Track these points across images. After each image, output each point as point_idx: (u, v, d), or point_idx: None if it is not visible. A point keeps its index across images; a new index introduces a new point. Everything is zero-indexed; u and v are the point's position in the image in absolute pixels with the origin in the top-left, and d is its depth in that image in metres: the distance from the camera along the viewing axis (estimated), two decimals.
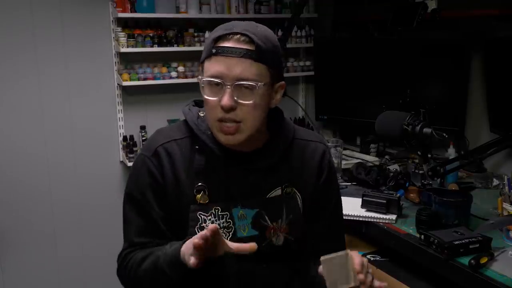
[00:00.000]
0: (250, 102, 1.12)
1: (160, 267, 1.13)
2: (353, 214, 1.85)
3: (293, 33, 2.99)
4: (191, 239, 1.05)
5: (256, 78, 1.12)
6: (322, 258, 1.05)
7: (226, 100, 1.11)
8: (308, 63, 3.14)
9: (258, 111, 1.16)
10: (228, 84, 1.10)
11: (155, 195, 1.22)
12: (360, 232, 1.89)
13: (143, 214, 1.23)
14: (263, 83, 1.13)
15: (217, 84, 1.12)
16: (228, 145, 1.18)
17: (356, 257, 1.08)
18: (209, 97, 1.13)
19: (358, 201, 1.91)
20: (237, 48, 1.10)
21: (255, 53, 1.11)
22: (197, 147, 1.23)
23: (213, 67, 1.12)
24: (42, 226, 2.72)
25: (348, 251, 1.06)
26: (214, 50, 1.11)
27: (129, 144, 2.78)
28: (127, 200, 1.27)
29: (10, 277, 2.68)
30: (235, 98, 1.11)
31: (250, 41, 1.11)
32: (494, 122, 2.32)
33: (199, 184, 1.21)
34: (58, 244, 2.78)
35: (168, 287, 1.17)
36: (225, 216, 1.22)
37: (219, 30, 1.14)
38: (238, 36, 1.11)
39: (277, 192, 1.25)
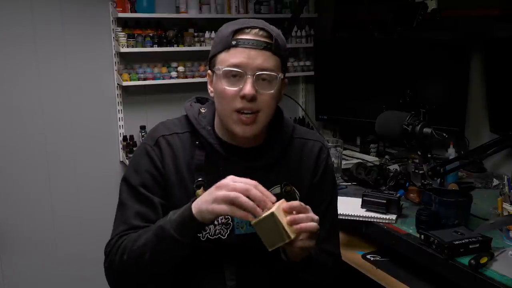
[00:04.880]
0: (271, 91, 1.17)
1: (167, 234, 1.08)
2: (353, 214, 1.85)
3: (293, 33, 2.99)
4: (208, 192, 1.06)
5: (275, 69, 1.16)
6: (252, 222, 1.05)
7: (249, 89, 1.13)
8: (308, 63, 3.14)
9: (274, 102, 1.20)
10: (249, 74, 1.13)
11: (156, 183, 1.22)
12: (360, 232, 1.88)
13: (142, 200, 1.21)
14: (281, 75, 1.18)
15: (236, 75, 1.14)
16: (244, 137, 1.19)
17: (283, 208, 1.06)
18: (228, 87, 1.15)
19: (358, 201, 1.90)
20: (258, 40, 1.14)
21: (274, 46, 1.15)
22: (197, 142, 1.24)
23: (234, 57, 1.14)
24: (42, 226, 2.72)
25: (274, 210, 1.03)
26: (234, 42, 1.14)
27: (129, 144, 2.78)
28: (125, 186, 1.25)
29: (10, 277, 2.68)
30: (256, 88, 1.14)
31: (269, 35, 1.15)
32: (494, 122, 2.31)
33: (199, 179, 1.21)
34: (58, 244, 2.78)
35: (173, 260, 1.14)
36: None
37: (234, 25, 1.16)
38: (257, 30, 1.15)
39: (276, 190, 1.25)
